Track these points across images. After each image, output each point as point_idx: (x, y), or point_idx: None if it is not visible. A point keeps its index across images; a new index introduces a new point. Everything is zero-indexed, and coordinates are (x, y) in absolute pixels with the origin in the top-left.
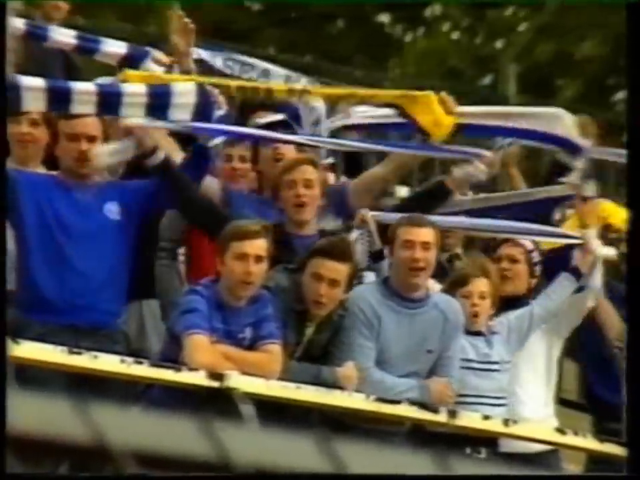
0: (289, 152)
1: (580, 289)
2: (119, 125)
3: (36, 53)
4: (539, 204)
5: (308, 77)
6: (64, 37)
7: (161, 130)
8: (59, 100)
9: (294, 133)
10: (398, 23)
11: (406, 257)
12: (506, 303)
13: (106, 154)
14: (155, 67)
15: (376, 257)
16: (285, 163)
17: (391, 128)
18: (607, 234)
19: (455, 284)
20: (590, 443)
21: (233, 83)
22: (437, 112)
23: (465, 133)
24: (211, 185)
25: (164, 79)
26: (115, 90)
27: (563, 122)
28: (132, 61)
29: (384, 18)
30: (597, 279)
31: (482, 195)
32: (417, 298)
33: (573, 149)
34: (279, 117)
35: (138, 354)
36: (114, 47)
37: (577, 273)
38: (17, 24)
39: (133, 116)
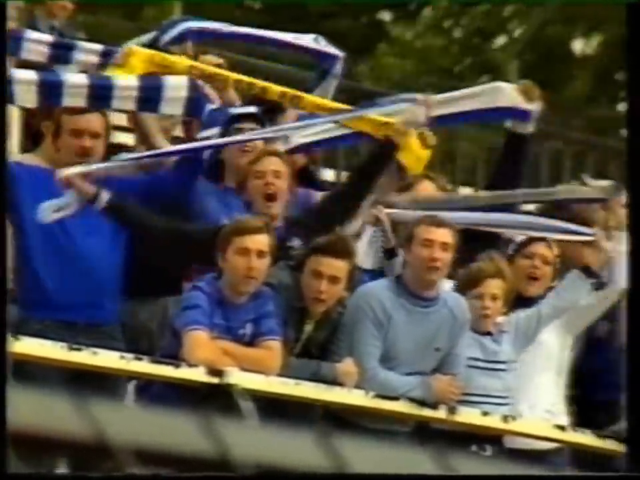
0: (257, 143)
1: (600, 286)
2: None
3: None
4: (560, 203)
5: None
6: (38, 45)
7: (154, 123)
8: (50, 93)
9: (263, 126)
10: (398, 21)
11: (425, 255)
12: (520, 301)
13: (50, 211)
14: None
15: (389, 254)
16: (253, 154)
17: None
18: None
19: (467, 284)
20: (589, 439)
21: (231, 78)
22: (415, 149)
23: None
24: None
25: (165, 59)
26: (106, 83)
27: (504, 92)
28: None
29: (385, 16)
30: (621, 277)
31: (502, 192)
32: (430, 297)
33: (521, 116)
34: (252, 109)
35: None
36: (88, 54)
37: (588, 271)
38: (36, 49)
39: (124, 108)
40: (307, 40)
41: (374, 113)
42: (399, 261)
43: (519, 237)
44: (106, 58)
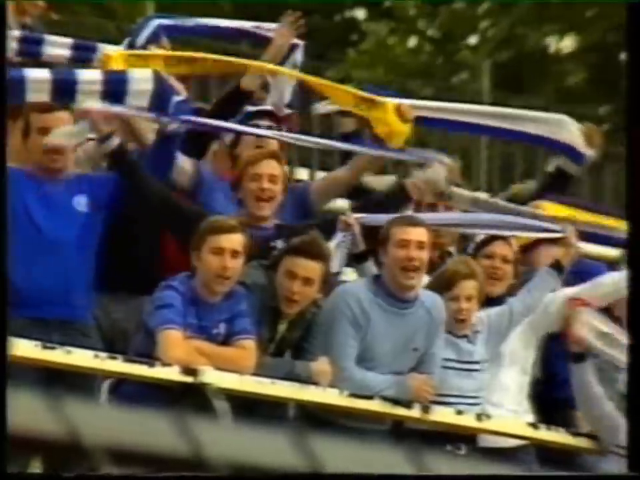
0: (272, 143)
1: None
2: (79, 109)
3: None
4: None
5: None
6: (58, 49)
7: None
8: (14, 90)
9: (278, 123)
10: (372, 19)
11: (401, 256)
12: (487, 301)
13: (61, 135)
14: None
15: (359, 259)
16: (251, 155)
17: None
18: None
19: (441, 287)
20: (562, 437)
21: (210, 59)
22: (392, 122)
23: (471, 131)
24: (184, 165)
25: (140, 55)
26: (69, 77)
27: (569, 128)
28: (79, 57)
29: (359, 14)
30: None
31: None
32: (408, 298)
33: (576, 156)
34: (268, 107)
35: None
36: (58, 48)
37: (558, 268)
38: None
39: (89, 102)
40: (268, 28)
41: (402, 158)
42: (369, 265)
43: (480, 236)
44: (77, 52)
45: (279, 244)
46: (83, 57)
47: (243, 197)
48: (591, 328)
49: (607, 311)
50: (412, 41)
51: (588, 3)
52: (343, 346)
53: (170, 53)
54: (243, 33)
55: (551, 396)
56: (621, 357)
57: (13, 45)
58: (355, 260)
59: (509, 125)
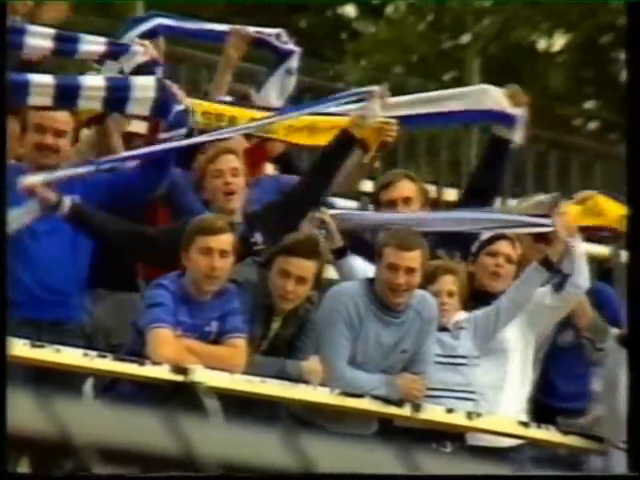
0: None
1: (561, 283)
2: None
3: None
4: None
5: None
6: (41, 40)
7: (117, 130)
8: (17, 93)
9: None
10: (364, 17)
11: (388, 279)
12: (483, 298)
13: (12, 219)
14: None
15: (338, 255)
16: (209, 153)
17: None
18: (599, 233)
19: (423, 282)
20: (553, 435)
21: (199, 108)
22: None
23: (404, 123)
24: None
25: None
26: (73, 83)
27: (492, 96)
28: (112, 56)
29: (350, 11)
30: (583, 278)
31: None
32: (400, 309)
33: (507, 120)
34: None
35: (119, 350)
36: (93, 45)
37: (547, 264)
38: None
39: (91, 108)
40: (268, 34)
41: (332, 108)
42: (348, 261)
43: (484, 234)
44: (60, 43)
45: (258, 238)
46: (65, 48)
47: (209, 197)
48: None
49: None
50: (401, 39)
51: (578, 2)
52: (336, 345)
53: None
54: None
55: (552, 405)
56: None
57: (48, 44)
58: (333, 256)
59: (434, 108)
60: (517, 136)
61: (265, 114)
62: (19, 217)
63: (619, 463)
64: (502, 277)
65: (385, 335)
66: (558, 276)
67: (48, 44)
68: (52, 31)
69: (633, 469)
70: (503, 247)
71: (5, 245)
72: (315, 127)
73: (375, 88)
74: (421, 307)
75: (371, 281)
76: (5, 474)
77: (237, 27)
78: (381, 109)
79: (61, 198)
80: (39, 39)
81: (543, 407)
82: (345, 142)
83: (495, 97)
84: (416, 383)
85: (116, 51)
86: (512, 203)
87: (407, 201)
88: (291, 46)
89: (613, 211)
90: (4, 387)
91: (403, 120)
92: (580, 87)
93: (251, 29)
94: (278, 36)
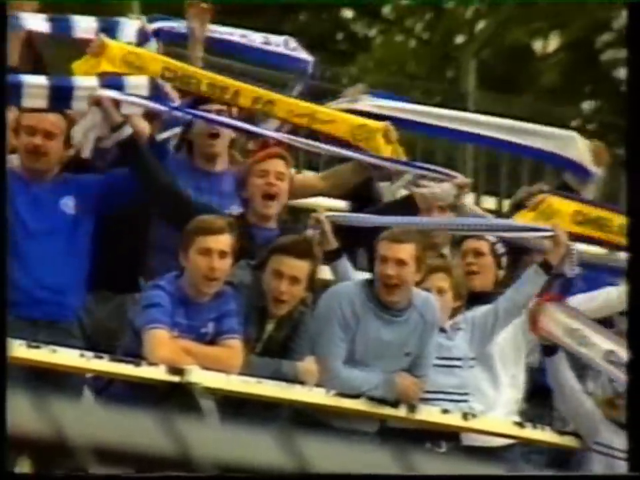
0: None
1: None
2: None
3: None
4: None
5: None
6: (37, 23)
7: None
8: (10, 94)
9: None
10: (359, 18)
11: (380, 272)
12: (475, 299)
13: (79, 132)
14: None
15: (331, 257)
16: (259, 154)
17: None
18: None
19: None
20: (548, 435)
21: (205, 79)
22: (381, 146)
23: (481, 142)
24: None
25: (139, 57)
26: (66, 84)
27: (578, 146)
28: (105, 32)
29: (346, 13)
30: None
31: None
32: (399, 307)
33: (582, 173)
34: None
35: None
36: (86, 23)
37: (546, 266)
38: None
39: (85, 109)
40: (277, 42)
41: (410, 173)
42: (341, 263)
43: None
44: (54, 23)
45: None
46: (60, 29)
47: (249, 195)
48: (558, 322)
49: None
50: (397, 40)
51: (572, 2)
52: (331, 345)
53: (171, 62)
54: (251, 49)
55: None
56: (591, 353)
57: (44, 26)
58: (327, 257)
59: (519, 139)
60: (588, 191)
61: (268, 92)
62: (83, 129)
63: (620, 463)
64: (477, 273)
65: (385, 333)
66: (559, 279)
67: (45, 26)
68: (45, 15)
69: (633, 469)
70: (470, 243)
71: (5, 245)
72: (315, 116)
73: (460, 177)
74: (424, 309)
75: (369, 281)
76: (5, 474)
77: (195, 1)
78: (452, 197)
79: (125, 122)
80: (35, 21)
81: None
82: (407, 206)
83: (580, 148)
84: (414, 383)
85: (108, 27)
86: (508, 202)
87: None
88: (303, 53)
89: (566, 210)
90: (4, 387)
91: (485, 140)
92: (576, 87)
93: (259, 38)
94: (286, 42)
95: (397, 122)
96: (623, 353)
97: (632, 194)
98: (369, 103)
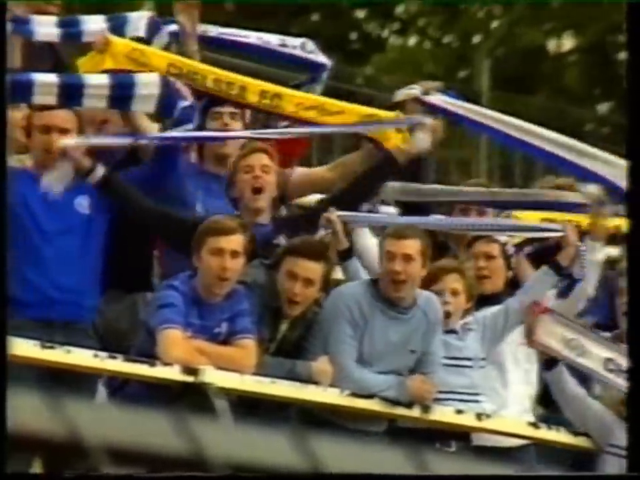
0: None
1: (571, 285)
2: (92, 117)
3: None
4: (544, 204)
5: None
6: (47, 28)
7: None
8: (21, 93)
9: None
10: (371, 19)
11: (387, 268)
12: (485, 300)
13: (50, 182)
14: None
15: (343, 256)
16: (242, 151)
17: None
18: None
19: (427, 281)
20: (563, 436)
21: (211, 75)
22: (389, 134)
23: (534, 153)
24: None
25: (144, 54)
26: (77, 81)
27: (622, 173)
28: (115, 30)
29: (358, 14)
30: (591, 285)
31: (493, 189)
32: (405, 305)
33: (616, 192)
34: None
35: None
36: (95, 24)
37: (557, 267)
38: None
39: (95, 106)
40: (293, 45)
41: (378, 130)
42: (353, 262)
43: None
44: (65, 29)
45: (282, 240)
46: (72, 33)
47: (238, 193)
48: (554, 334)
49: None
50: (411, 40)
51: (587, 2)
52: (341, 345)
53: (176, 58)
54: (267, 51)
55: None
56: (590, 364)
57: (54, 31)
58: (338, 257)
59: (571, 156)
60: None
61: (274, 86)
62: (52, 180)
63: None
64: (488, 276)
65: (392, 331)
66: (566, 281)
67: (54, 31)
68: (54, 18)
69: (633, 469)
70: (481, 246)
71: (5, 245)
72: (324, 108)
73: (430, 120)
74: (427, 308)
75: (373, 281)
76: (5, 474)
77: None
78: (430, 142)
79: (95, 165)
80: (45, 28)
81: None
82: (387, 165)
83: (623, 175)
84: (426, 385)
85: (118, 25)
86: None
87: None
88: (321, 57)
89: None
90: (4, 387)
91: (540, 152)
92: (590, 88)
93: (276, 41)
94: (303, 45)
95: (463, 122)
96: (622, 360)
97: (632, 194)
98: (440, 98)
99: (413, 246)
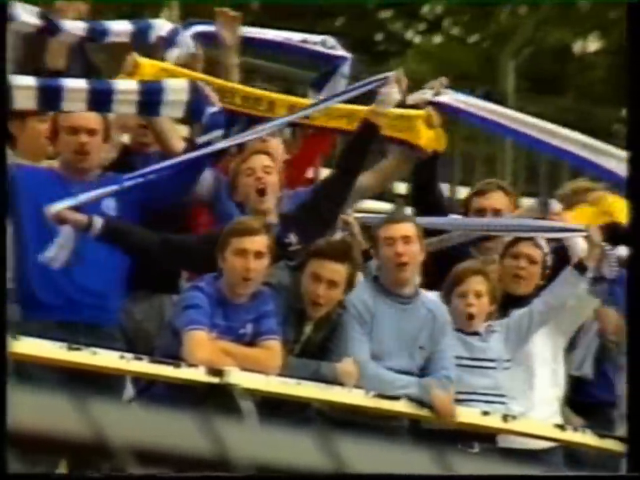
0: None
1: (595, 281)
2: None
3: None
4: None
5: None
6: (73, 28)
7: (167, 122)
8: (50, 98)
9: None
10: (397, 20)
11: (389, 253)
12: (510, 301)
13: (53, 254)
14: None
15: (363, 258)
16: (242, 154)
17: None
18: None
19: (451, 283)
20: (589, 439)
21: (239, 93)
22: (423, 131)
23: (558, 154)
24: (204, 175)
25: (174, 73)
26: (106, 87)
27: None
28: (139, 35)
29: (383, 15)
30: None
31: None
32: (407, 294)
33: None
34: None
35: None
36: (120, 26)
37: (581, 268)
38: (28, 21)
39: (125, 112)
40: (314, 41)
41: (348, 96)
42: (372, 264)
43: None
44: (91, 33)
45: (292, 238)
46: (96, 36)
47: (242, 197)
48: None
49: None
50: (437, 41)
51: (614, 3)
52: (353, 340)
53: (203, 77)
54: (288, 47)
55: (594, 396)
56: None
57: (80, 31)
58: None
59: (595, 157)
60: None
61: (302, 100)
62: (58, 250)
63: None
64: (524, 278)
65: (398, 323)
66: (599, 283)
67: (80, 32)
68: (81, 23)
69: (633, 469)
70: (525, 248)
71: (5, 245)
72: (353, 114)
73: (391, 73)
74: (433, 307)
75: (374, 278)
76: (5, 474)
77: (223, 9)
78: (400, 94)
79: (91, 219)
80: (71, 27)
81: (575, 405)
82: (367, 131)
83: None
84: (449, 401)
85: (142, 29)
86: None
87: (496, 212)
88: (341, 51)
89: (622, 208)
90: (4, 386)
91: (563, 153)
92: (617, 89)
93: (297, 38)
94: (323, 42)
95: (476, 120)
96: None
97: (632, 194)
98: (452, 97)
99: (409, 228)
